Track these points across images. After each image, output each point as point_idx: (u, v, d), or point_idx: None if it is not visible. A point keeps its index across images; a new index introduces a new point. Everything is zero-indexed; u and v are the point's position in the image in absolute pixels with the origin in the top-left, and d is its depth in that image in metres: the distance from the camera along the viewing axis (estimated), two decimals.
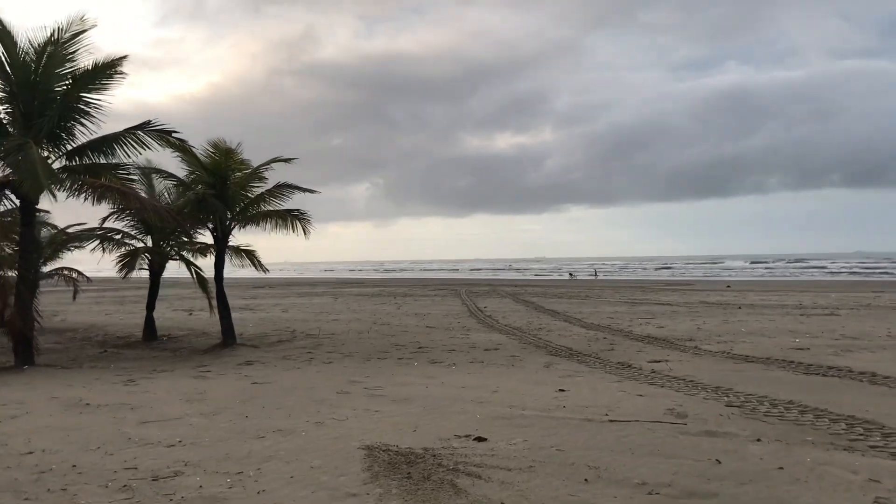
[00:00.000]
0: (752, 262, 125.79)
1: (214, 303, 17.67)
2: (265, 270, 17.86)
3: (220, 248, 16.13)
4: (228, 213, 15.92)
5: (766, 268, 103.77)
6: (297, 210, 16.51)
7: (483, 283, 66.93)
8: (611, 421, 7.76)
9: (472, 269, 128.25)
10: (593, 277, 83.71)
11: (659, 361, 12.97)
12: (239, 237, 17.87)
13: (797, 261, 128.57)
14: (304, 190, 16.26)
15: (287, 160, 16.20)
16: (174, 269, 20.28)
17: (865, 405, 8.54)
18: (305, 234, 16.81)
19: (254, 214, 16.35)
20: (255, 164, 16.57)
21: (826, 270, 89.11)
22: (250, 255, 17.60)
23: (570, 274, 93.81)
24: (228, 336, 16.03)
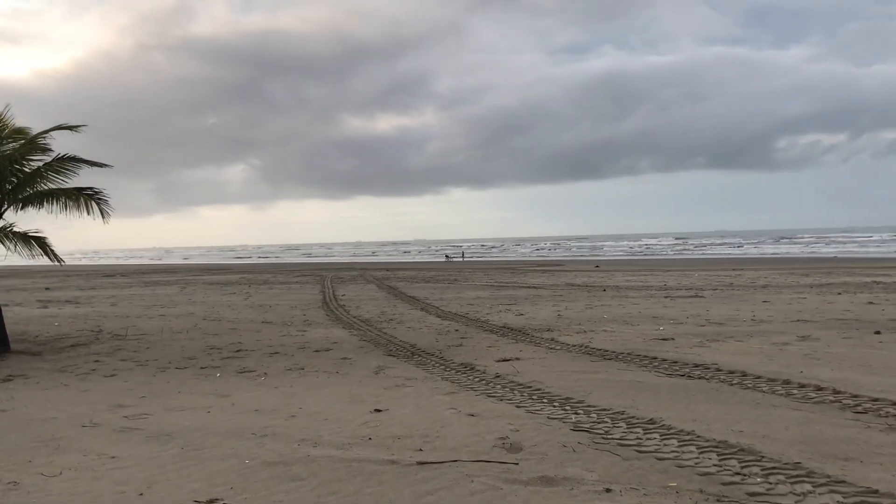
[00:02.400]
0: (623, 242, 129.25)
1: None
2: (60, 261, 14.93)
3: None
4: None
5: (633, 247, 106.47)
6: (91, 188, 13.75)
7: (356, 266, 64.74)
8: (420, 464, 5.81)
9: (348, 253, 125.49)
10: (460, 259, 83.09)
11: (508, 360, 11.24)
12: (25, 222, 14.83)
13: (662, 239, 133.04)
14: (94, 164, 13.51)
15: (72, 128, 13.40)
16: None
17: (738, 421, 6.98)
18: (103, 216, 14.08)
19: (33, 194, 13.46)
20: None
21: (690, 249, 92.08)
22: (41, 244, 14.62)
23: (447, 256, 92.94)
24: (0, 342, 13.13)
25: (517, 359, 11.39)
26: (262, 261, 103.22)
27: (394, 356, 12.00)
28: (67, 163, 13.22)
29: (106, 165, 13.59)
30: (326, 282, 37.64)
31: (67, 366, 11.64)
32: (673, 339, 13.40)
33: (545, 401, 8.14)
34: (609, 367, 10.28)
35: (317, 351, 12.83)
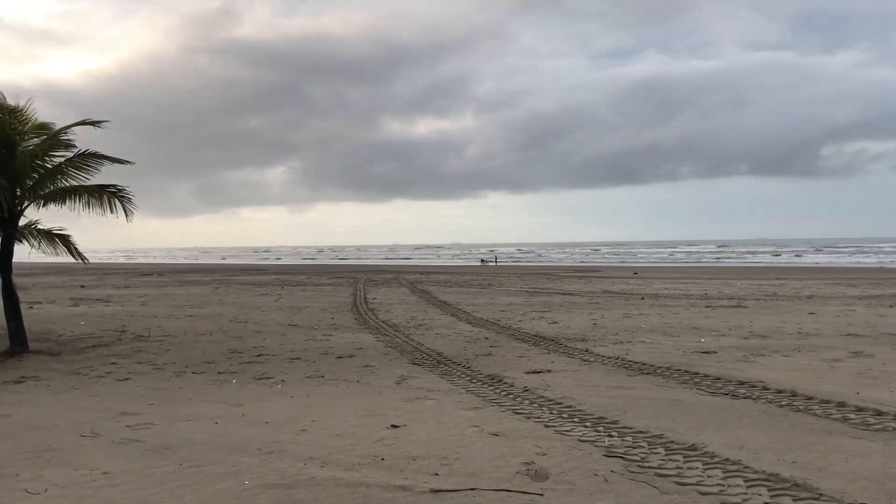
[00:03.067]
0: (662, 248, 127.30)
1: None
2: (84, 259, 14.69)
3: (7, 232, 12.90)
4: (18, 189, 12.72)
5: (673, 253, 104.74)
6: (114, 186, 13.41)
7: (390, 269, 64.43)
8: (434, 491, 5.24)
9: (384, 256, 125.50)
10: (493, 264, 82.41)
11: (538, 373, 10.61)
12: (49, 220, 14.55)
13: (702, 245, 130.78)
14: (116, 160, 13.18)
15: (95, 123, 13.09)
16: None
17: (790, 450, 6.29)
18: (126, 215, 13.74)
19: (54, 191, 13.18)
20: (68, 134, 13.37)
21: (731, 257, 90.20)
22: (65, 242, 14.36)
23: (483, 260, 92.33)
24: (17, 342, 12.85)
25: (548, 371, 10.77)
26: (297, 262, 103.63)
27: (418, 365, 11.45)
28: (89, 159, 12.90)
29: (128, 162, 13.25)
30: (359, 284, 37.29)
31: (83, 367, 11.30)
32: (715, 352, 12.66)
33: (576, 420, 7.52)
34: (647, 383, 9.61)
35: (340, 357, 12.34)
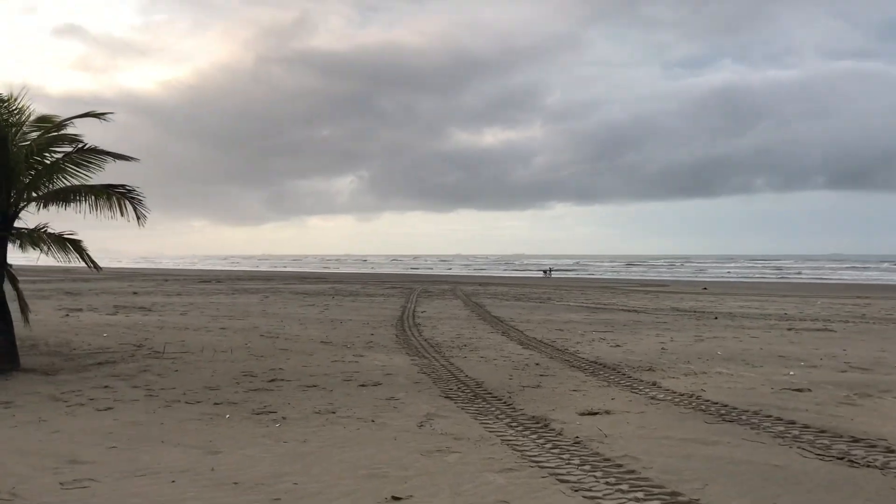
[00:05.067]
0: (734, 263, 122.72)
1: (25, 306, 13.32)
2: (97, 267, 13.39)
3: None
4: (12, 187, 11.44)
5: (745, 268, 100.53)
6: (123, 186, 12.06)
7: (449, 279, 62.89)
8: None
9: (445, 266, 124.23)
10: (554, 275, 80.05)
11: (594, 414, 8.72)
12: (58, 223, 13.27)
13: (774, 260, 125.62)
14: (119, 156, 11.82)
15: (99, 115, 11.77)
16: None
17: None
18: (138, 219, 12.38)
19: (55, 191, 11.88)
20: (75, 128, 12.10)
21: (808, 272, 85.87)
22: (77, 248, 13.08)
23: (545, 271, 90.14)
24: (6, 359, 11.53)
25: (607, 412, 8.86)
26: (359, 270, 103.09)
27: (451, 398, 9.66)
28: (89, 155, 11.57)
29: (132, 159, 11.88)
30: (413, 295, 35.75)
31: (69, 392, 9.87)
32: (809, 389, 10.55)
33: (641, 495, 5.62)
34: (731, 435, 7.62)
35: (363, 385, 10.65)
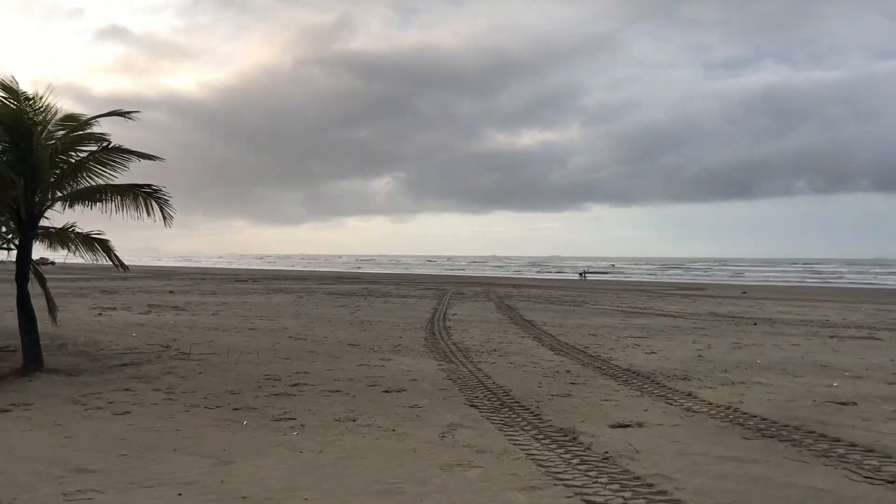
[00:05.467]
0: (771, 265, 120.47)
1: (52, 306, 13.30)
2: (124, 267, 13.33)
3: (25, 236, 11.56)
4: (37, 186, 11.36)
5: (785, 272, 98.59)
6: (149, 185, 11.94)
7: (483, 281, 62.60)
8: None
9: (480, 268, 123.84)
10: (582, 278, 79.17)
11: (625, 427, 8.33)
12: (87, 223, 13.21)
13: (815, 264, 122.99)
14: (145, 156, 11.69)
15: (125, 114, 11.65)
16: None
17: None
18: (165, 219, 12.26)
19: (80, 191, 11.79)
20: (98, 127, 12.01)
21: (851, 277, 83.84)
22: (105, 247, 13.03)
23: (581, 273, 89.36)
24: (31, 359, 11.46)
25: (639, 424, 8.46)
26: (393, 271, 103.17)
27: (476, 407, 9.33)
28: (114, 153, 11.45)
29: (158, 158, 11.75)
30: (445, 297, 35.47)
31: (90, 394, 9.74)
32: (855, 403, 10.02)
33: None
34: (771, 453, 7.17)
35: (386, 391, 10.37)
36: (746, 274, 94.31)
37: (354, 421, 8.42)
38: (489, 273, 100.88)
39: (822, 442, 7.63)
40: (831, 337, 19.23)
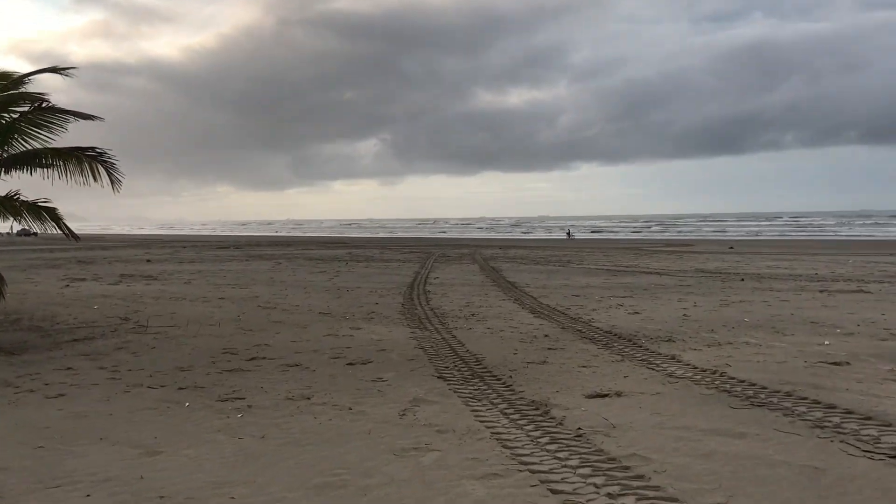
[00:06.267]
0: (758, 220, 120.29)
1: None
2: (75, 237, 12.52)
3: None
4: None
5: (772, 226, 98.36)
6: (93, 148, 11.07)
7: (470, 243, 61.96)
8: None
9: (468, 229, 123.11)
10: (568, 238, 78.61)
11: (603, 397, 7.67)
12: (29, 190, 12.31)
13: (802, 217, 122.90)
14: (82, 115, 10.80)
15: (60, 70, 10.74)
16: None
17: None
18: (112, 184, 11.42)
19: (18, 155, 10.91)
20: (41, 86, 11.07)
21: (837, 229, 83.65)
22: (53, 216, 12.18)
23: (568, 233, 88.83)
24: None
25: (617, 394, 7.80)
26: (379, 235, 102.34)
27: (444, 379, 8.65)
28: (49, 114, 10.55)
29: (96, 118, 10.87)
30: (429, 261, 34.77)
31: (24, 375, 8.99)
32: (848, 363, 9.42)
33: None
34: (760, 425, 6.52)
35: (350, 364, 9.67)
36: (734, 229, 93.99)
37: (309, 399, 7.72)
38: (476, 235, 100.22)
39: (816, 409, 6.99)
40: (821, 291, 18.68)
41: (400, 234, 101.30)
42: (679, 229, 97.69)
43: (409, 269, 28.81)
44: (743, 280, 22.18)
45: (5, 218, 12.21)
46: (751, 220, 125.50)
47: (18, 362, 9.81)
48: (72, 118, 10.76)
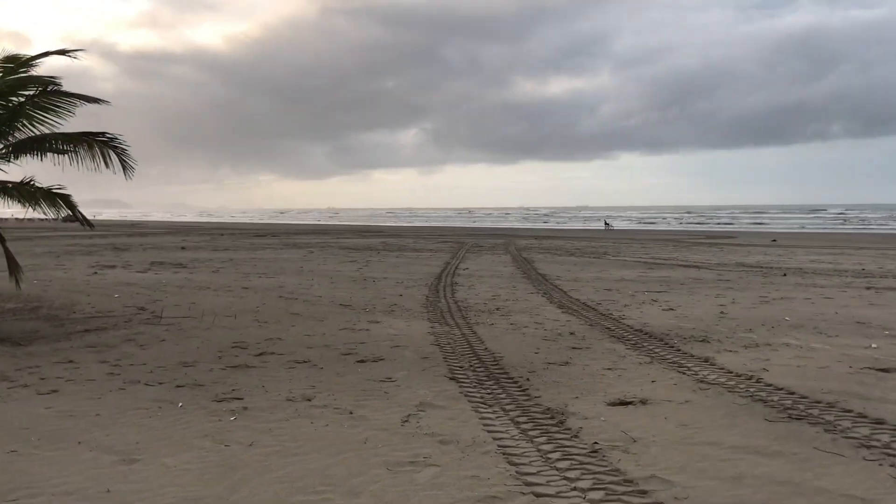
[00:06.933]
0: (803, 212, 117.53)
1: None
2: (89, 224, 12.26)
3: None
4: None
5: (817, 218, 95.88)
6: (104, 133, 10.73)
7: (505, 233, 61.25)
8: None
9: (507, 219, 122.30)
10: (605, 228, 77.34)
11: (626, 405, 7.08)
12: (43, 177, 12.05)
13: (849, 209, 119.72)
14: (89, 99, 10.46)
15: (66, 52, 10.40)
16: None
17: None
18: (125, 170, 11.09)
19: (26, 140, 10.61)
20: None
21: (884, 222, 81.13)
22: (68, 202, 11.94)
23: (606, 223, 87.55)
24: None
25: (642, 401, 7.19)
26: (416, 224, 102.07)
27: (457, 380, 8.11)
28: (55, 97, 10.21)
29: (103, 101, 10.53)
30: (461, 251, 34.22)
31: (24, 368, 8.68)
32: None
33: None
34: (798, 442, 5.87)
35: (361, 361, 9.19)
36: (777, 221, 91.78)
37: (309, 401, 7.24)
38: (513, 224, 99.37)
39: (862, 425, 6.31)
40: (867, 288, 17.72)
41: (437, 223, 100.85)
42: (721, 220, 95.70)
43: (439, 260, 28.30)
44: (785, 275, 21.24)
45: (22, 205, 11.97)
46: (796, 212, 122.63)
47: (22, 354, 9.51)
48: (79, 101, 10.41)
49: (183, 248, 37.06)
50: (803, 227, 75.26)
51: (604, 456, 5.49)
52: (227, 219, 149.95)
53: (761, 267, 24.33)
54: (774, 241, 45.09)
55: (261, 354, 9.57)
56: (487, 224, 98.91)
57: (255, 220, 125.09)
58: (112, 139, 10.86)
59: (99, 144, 10.88)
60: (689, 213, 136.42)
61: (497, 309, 14.08)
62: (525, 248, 36.90)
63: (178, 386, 7.85)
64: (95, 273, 21.74)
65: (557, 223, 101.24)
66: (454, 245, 39.60)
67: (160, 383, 7.98)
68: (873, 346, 10.23)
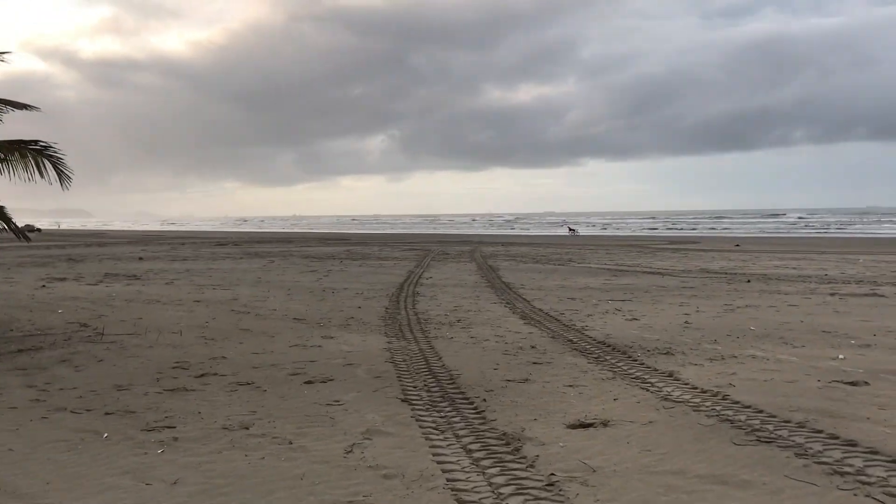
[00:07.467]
0: (769, 218, 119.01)
1: None
2: (26, 238, 11.58)
3: None
4: None
5: (779, 223, 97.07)
6: (37, 142, 10.09)
7: (472, 240, 60.90)
8: None
9: (473, 226, 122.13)
10: (570, 234, 77.47)
11: (587, 427, 6.65)
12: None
13: (810, 215, 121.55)
14: (17, 105, 9.82)
15: None
16: None
17: None
18: (61, 180, 10.45)
19: None
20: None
21: (846, 227, 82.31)
22: (2, 215, 11.24)
23: (571, 229, 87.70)
24: None
25: (604, 423, 6.77)
26: (383, 231, 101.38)
27: (409, 403, 7.63)
28: None
29: (33, 108, 9.89)
30: (426, 258, 33.77)
31: None
32: (866, 382, 8.40)
33: None
34: (767, 468, 5.48)
35: (309, 382, 8.67)
36: (741, 226, 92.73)
37: (247, 429, 6.71)
38: (481, 231, 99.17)
39: (834, 448, 5.95)
40: (831, 295, 17.60)
41: (404, 230, 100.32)
42: (685, 226, 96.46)
43: (403, 268, 27.82)
44: (749, 281, 21.10)
45: None
46: (758, 217, 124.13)
47: None
48: (8, 108, 9.78)
49: (140, 258, 36.09)
50: (765, 232, 76.03)
51: (560, 490, 5.05)
52: (191, 227, 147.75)
53: (725, 273, 24.22)
54: (738, 245, 45.32)
55: (202, 376, 8.99)
56: (455, 231, 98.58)
57: (218, 228, 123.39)
58: (46, 147, 10.25)
59: (32, 153, 10.25)
60: (653, 218, 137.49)
61: (458, 321, 13.64)
62: (491, 255, 36.55)
63: (107, 413, 7.26)
64: (44, 286, 20.88)
65: (522, 230, 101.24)
66: (420, 252, 39.13)
67: (88, 410, 7.39)
68: (840, 356, 9.96)
